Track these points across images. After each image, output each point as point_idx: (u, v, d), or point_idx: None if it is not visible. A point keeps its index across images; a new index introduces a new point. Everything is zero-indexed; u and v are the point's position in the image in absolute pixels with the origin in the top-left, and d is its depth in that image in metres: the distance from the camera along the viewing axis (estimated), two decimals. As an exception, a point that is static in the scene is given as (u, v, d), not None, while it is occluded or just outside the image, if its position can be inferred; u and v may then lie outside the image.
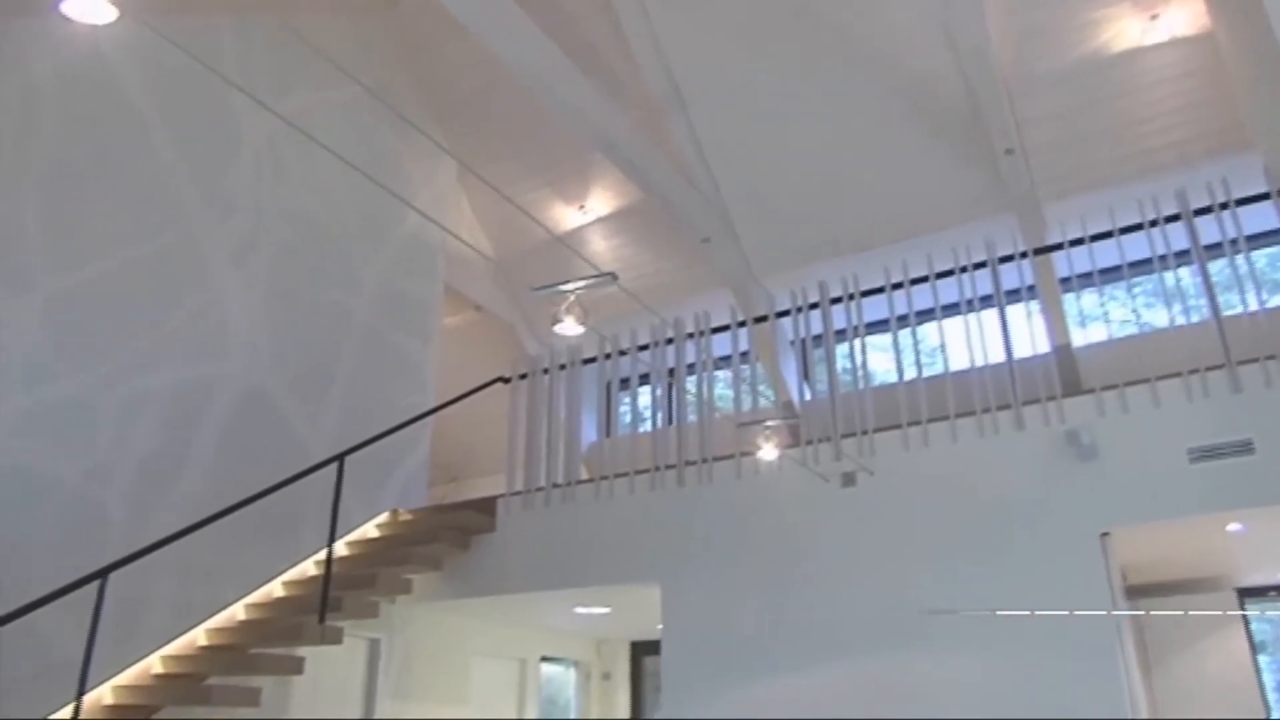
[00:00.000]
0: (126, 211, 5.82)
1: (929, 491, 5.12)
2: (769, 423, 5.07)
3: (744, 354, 6.29)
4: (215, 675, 5.09)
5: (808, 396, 5.93)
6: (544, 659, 8.81)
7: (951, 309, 5.60)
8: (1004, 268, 5.57)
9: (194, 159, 6.25)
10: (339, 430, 6.76)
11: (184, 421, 5.90)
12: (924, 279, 5.66)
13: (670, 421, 6.04)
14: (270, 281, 6.64)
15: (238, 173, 6.55)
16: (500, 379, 7.12)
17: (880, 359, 7.41)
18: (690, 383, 6.11)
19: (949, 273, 5.62)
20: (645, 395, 7.70)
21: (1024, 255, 5.72)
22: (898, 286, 5.72)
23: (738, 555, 5.47)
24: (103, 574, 4.40)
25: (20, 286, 5.24)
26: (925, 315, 5.94)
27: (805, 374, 6.04)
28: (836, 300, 5.82)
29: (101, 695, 5.14)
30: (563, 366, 6.58)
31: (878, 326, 6.54)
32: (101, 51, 5.81)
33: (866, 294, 5.80)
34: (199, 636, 5.67)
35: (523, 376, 6.78)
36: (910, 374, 5.53)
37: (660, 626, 5.67)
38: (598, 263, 8.75)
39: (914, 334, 5.70)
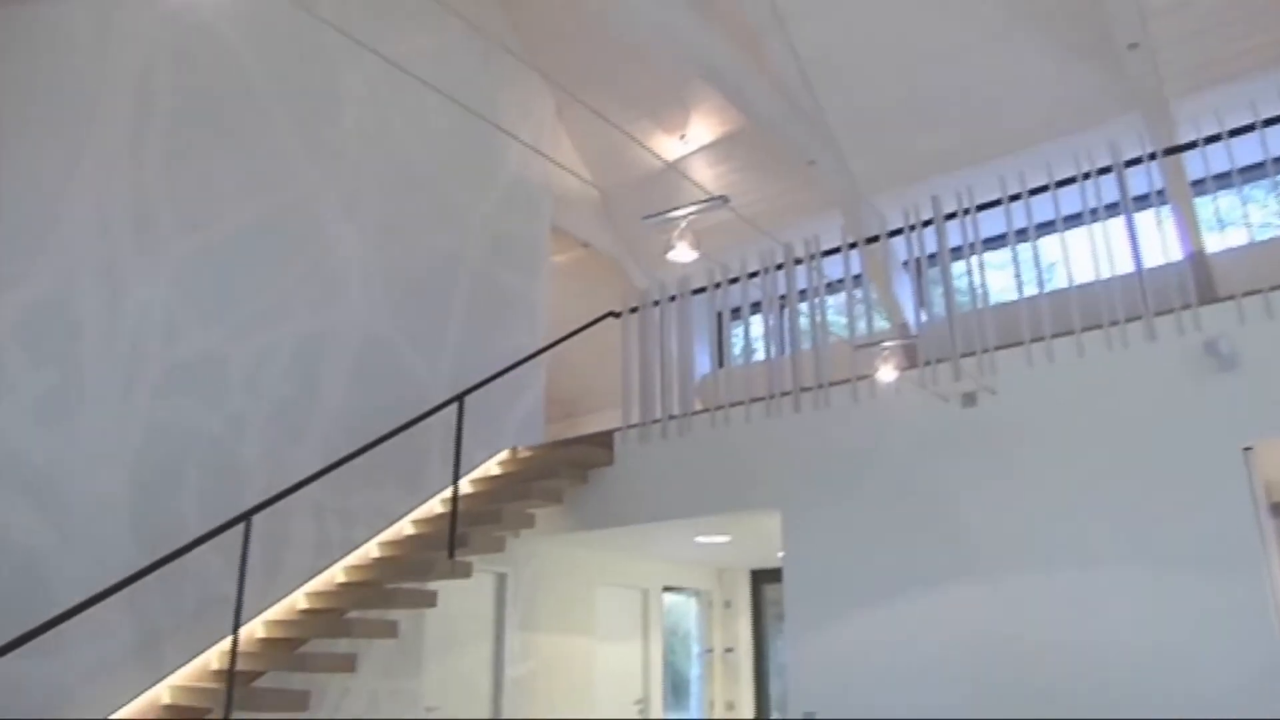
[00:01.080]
0: (241, 173, 6.01)
1: (1055, 409, 4.95)
2: (886, 344, 4.96)
3: (856, 277, 6.15)
4: (355, 609, 5.33)
5: (923, 317, 5.77)
6: (666, 588, 8.96)
7: (1074, 219, 5.35)
8: (1130, 172, 5.27)
9: (300, 117, 6.39)
10: (456, 372, 6.92)
11: (310, 370, 6.13)
12: (1044, 188, 5.41)
13: (783, 349, 5.97)
14: (381, 230, 6.79)
15: (342, 127, 6.67)
16: (610, 314, 7.15)
17: (998, 277, 7.16)
18: (802, 308, 6.02)
19: (1070, 180, 5.35)
20: (756, 324, 7.64)
21: (1152, 157, 5.40)
22: (1015, 198, 5.48)
23: (858, 479, 5.42)
24: (246, 517, 4.64)
25: (152, 253, 5.49)
26: (1046, 228, 5.69)
27: (920, 294, 5.87)
28: (951, 216, 5.62)
29: (254, 629, 5.46)
30: (673, 298, 6.57)
31: (995, 242, 6.31)
32: (208, 20, 5.96)
33: (983, 208, 5.57)
34: (337, 574, 5.95)
35: (633, 310, 6.80)
36: (1031, 290, 5.32)
37: (781, 553, 5.68)
38: (702, 192, 8.64)
39: (1034, 248, 5.47)
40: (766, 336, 6.13)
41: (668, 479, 6.20)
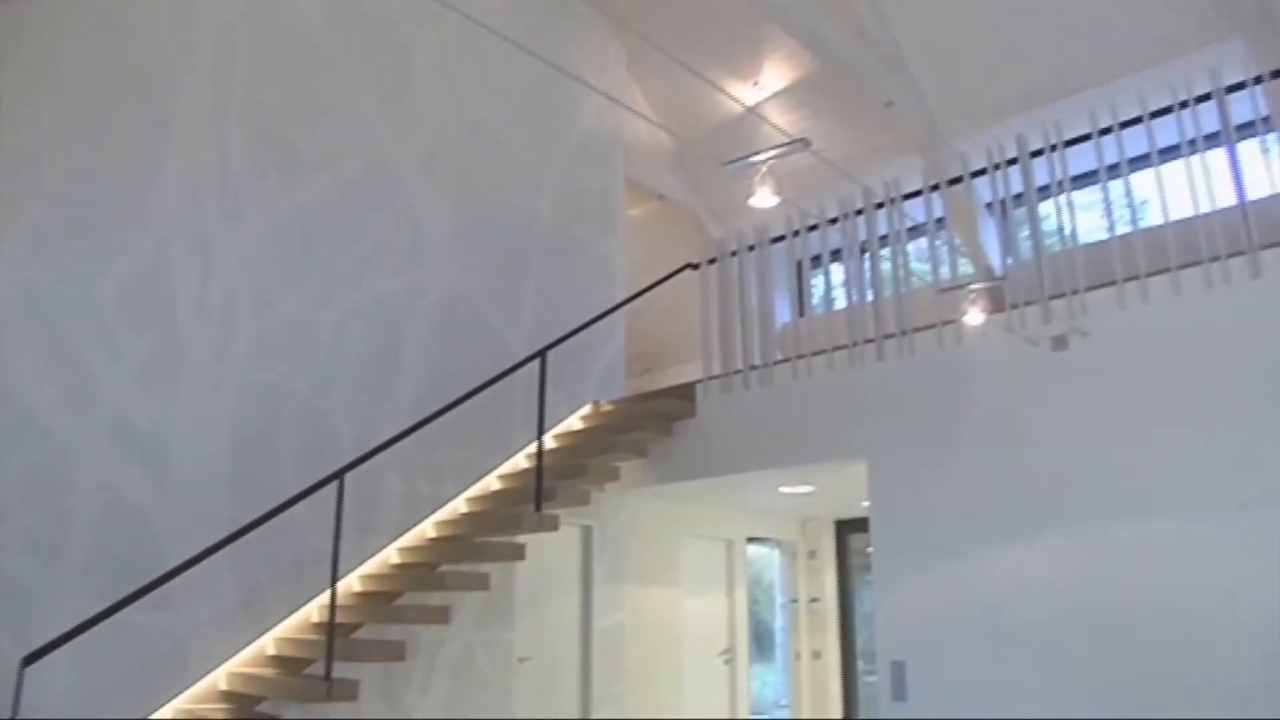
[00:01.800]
0: (319, 139, 6.11)
1: (1151, 350, 4.76)
2: (972, 287, 4.83)
3: (939, 220, 5.99)
4: (446, 563, 5.46)
5: (1010, 260, 5.60)
6: (750, 539, 8.99)
7: (1170, 152, 5.11)
8: (1232, 98, 5.00)
9: (373, 80, 6.45)
10: (536, 328, 6.97)
11: (394, 330, 6.24)
12: (1137, 120, 5.18)
13: (865, 296, 5.87)
14: (457, 189, 6.84)
15: (415, 88, 6.72)
16: (689, 265, 7.12)
17: (1086, 218, 6.91)
18: (884, 254, 5.90)
19: (1166, 110, 5.11)
20: (837, 271, 7.52)
21: (1258, 81, 5.12)
22: (1106, 132, 5.25)
23: (944, 426, 5.32)
24: (339, 475, 4.76)
25: (237, 221, 5.63)
26: (1139, 162, 5.45)
27: (1006, 236, 5.70)
28: (1037, 153, 5.42)
29: (350, 583, 5.63)
30: (751, 248, 6.49)
31: (1085, 179, 6.08)
32: (282, -18, 6.04)
33: (1071, 143, 5.36)
34: (428, 529, 6.09)
35: (711, 261, 6.74)
36: (1124, 228, 5.11)
37: (866, 503, 5.63)
38: (778, 139, 8.50)
39: (1126, 183, 5.25)
40: (848, 283, 6.03)
41: (750, 430, 6.18)
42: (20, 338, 4.77)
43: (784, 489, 7.23)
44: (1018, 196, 5.51)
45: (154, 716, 4.84)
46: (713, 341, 6.51)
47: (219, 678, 5.12)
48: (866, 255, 5.94)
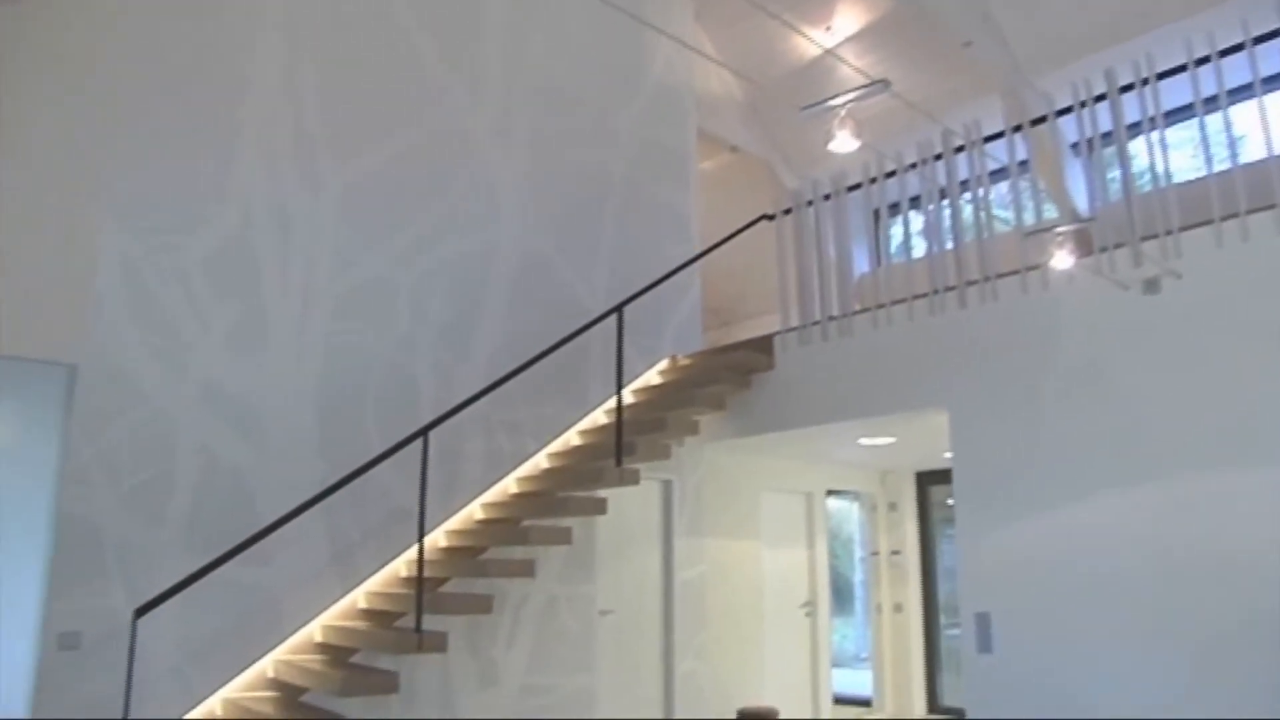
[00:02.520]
0: (391, 102, 6.16)
1: (1250, 292, 4.56)
2: (1059, 230, 4.68)
3: (1022, 163, 5.80)
4: (529, 518, 5.54)
5: (1098, 201, 5.40)
6: (830, 492, 8.94)
7: (1273, 81, 4.85)
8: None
9: (443, 42, 6.46)
10: (611, 284, 6.98)
11: (471, 289, 6.31)
12: (1238, 47, 4.91)
13: (945, 243, 5.73)
14: (529, 148, 6.85)
15: (485, 48, 6.71)
16: (764, 217, 7.03)
17: (1179, 157, 6.63)
18: (965, 199, 5.74)
19: (1272, 35, 4.83)
20: (916, 218, 7.37)
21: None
22: (1203, 62, 5.01)
23: (1029, 375, 5.20)
24: (423, 432, 4.85)
25: (317, 186, 5.72)
26: (1239, 93, 5.19)
27: (1095, 176, 5.49)
28: (1128, 88, 5.20)
29: (436, 538, 5.76)
30: (827, 197, 6.38)
31: (1178, 115, 5.82)
32: (351, -57, 6.06)
33: (1164, 75, 5.12)
34: (510, 485, 6.18)
35: (786, 212, 6.65)
36: (1222, 164, 4.88)
37: (948, 454, 5.55)
38: (851, 84, 8.31)
39: (1225, 117, 5.00)
40: (927, 230, 5.89)
41: (829, 381, 6.12)
42: (119, 308, 4.94)
43: (864, 441, 7.16)
44: (1106, 135, 5.31)
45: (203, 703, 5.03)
46: (790, 293, 6.44)
47: (314, 630, 5.30)
48: (947, 201, 5.79)
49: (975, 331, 5.48)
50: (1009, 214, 5.71)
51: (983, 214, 5.56)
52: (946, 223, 5.76)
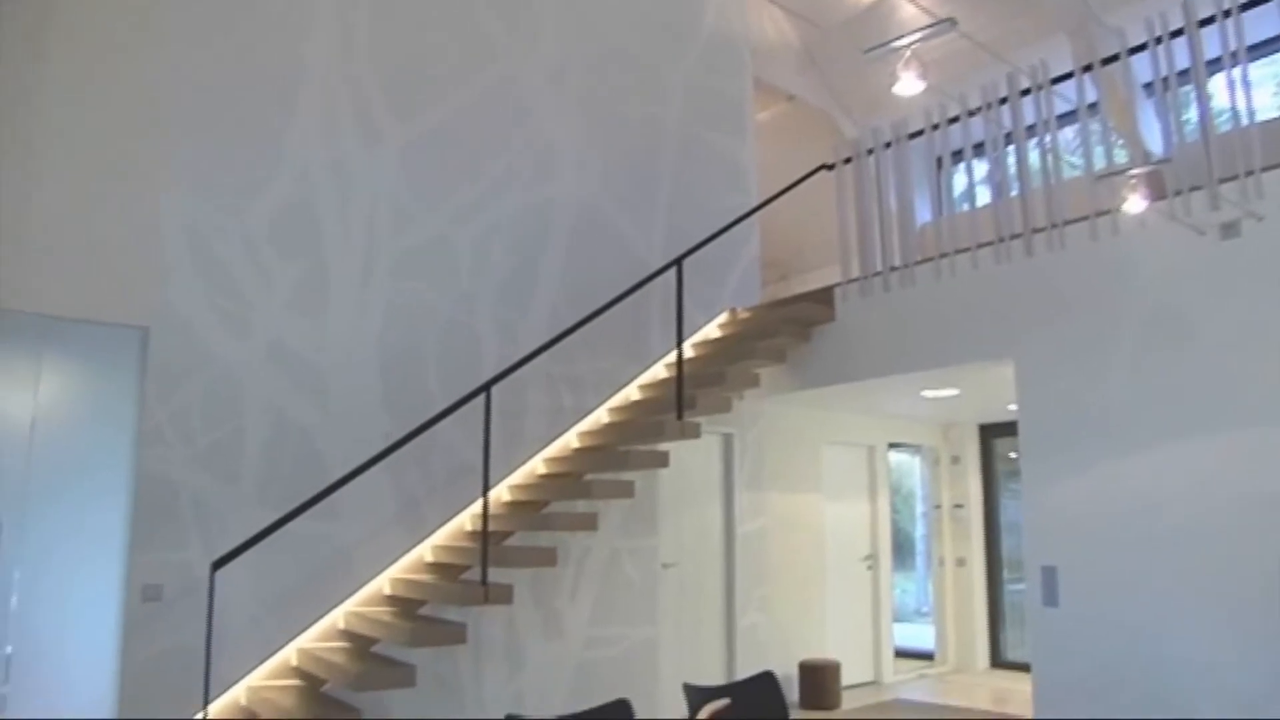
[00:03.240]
0: (448, 59, 6.15)
1: (1336, 232, 4.39)
2: (1132, 172, 4.53)
3: (1091, 105, 5.61)
4: (591, 472, 5.58)
5: (1173, 142, 5.20)
6: (892, 445, 8.87)
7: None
8: None
9: (498, -6, 6.44)
10: (670, 237, 6.95)
11: (530, 245, 6.32)
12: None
13: (1010, 190, 5.58)
14: (585, 102, 6.80)
15: (538, 2, 6.65)
16: (823, 166, 6.92)
17: (1261, 94, 6.35)
18: (1031, 144, 5.57)
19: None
20: (979, 168, 7.19)
21: None
22: (1287, -7, 4.78)
23: (1098, 323, 5.07)
24: (485, 388, 4.89)
25: (376, 145, 5.75)
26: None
27: (1170, 116, 5.28)
28: (1207, 21, 4.98)
29: (500, 493, 5.83)
30: (888, 145, 6.25)
31: (1261, 50, 5.57)
32: (403, -102, 6.02)
33: (1246, 7, 4.89)
34: (571, 439, 6.23)
35: (846, 161, 6.53)
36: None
37: (1013, 406, 5.46)
38: (913, 27, 8.10)
39: (1310, 49, 4.78)
40: (992, 177, 5.75)
41: (891, 333, 6.04)
42: (188, 271, 5.04)
43: (927, 393, 7.07)
44: (1183, 73, 5.10)
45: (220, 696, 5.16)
46: (850, 244, 6.35)
47: (383, 583, 5.42)
48: (1013, 146, 5.63)
49: (1042, 280, 5.35)
50: (1077, 158, 5.54)
51: (1050, 159, 5.40)
52: (1012, 169, 5.61)
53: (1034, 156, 5.56)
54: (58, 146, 4.74)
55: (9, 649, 4.46)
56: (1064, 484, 5.10)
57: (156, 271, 4.95)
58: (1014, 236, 5.45)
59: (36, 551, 4.55)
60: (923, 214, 6.98)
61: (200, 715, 4.50)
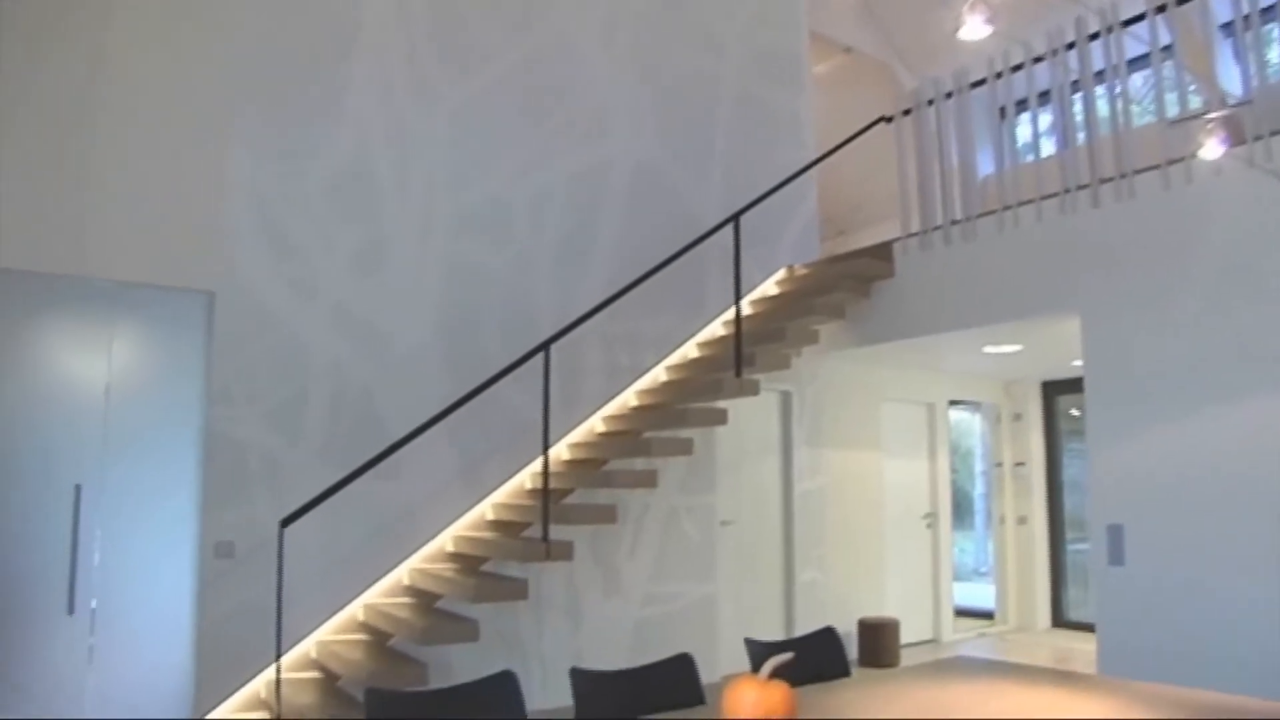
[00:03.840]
0: (499, 20, 6.13)
1: None
2: (1209, 116, 4.36)
3: (1165, 48, 5.41)
4: (650, 430, 5.59)
5: (1253, 85, 4.99)
6: (952, 403, 8.76)
7: None
8: None
9: (551, -51, 6.37)
10: (726, 194, 6.88)
11: (586, 203, 6.30)
12: None
13: (1076, 139, 5.41)
14: (638, 59, 6.74)
15: (592, -46, 6.59)
16: (882, 119, 6.78)
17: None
18: (1099, 91, 5.39)
19: None
20: (1043, 118, 6.98)
21: None
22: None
23: (1169, 276, 4.92)
24: (544, 346, 4.91)
25: (429, 107, 5.76)
26: None
27: (1249, 57, 5.06)
28: (1288, -42, 4.76)
29: (559, 451, 5.88)
30: (949, 95, 6.10)
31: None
32: None
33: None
34: (629, 398, 6.24)
35: (906, 113, 6.39)
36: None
37: (1078, 362, 5.34)
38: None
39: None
40: (1058, 125, 5.58)
41: (953, 288, 5.94)
42: (249, 235, 5.12)
43: (988, 349, 6.95)
44: (1266, 10, 4.89)
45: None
46: (911, 197, 6.23)
47: (445, 541, 5.51)
48: (1080, 93, 5.46)
49: (1110, 232, 5.20)
50: (1149, 103, 5.35)
51: (1120, 105, 5.23)
52: (1079, 117, 5.44)
53: (1102, 103, 5.39)
54: (123, 115, 4.82)
55: (94, 603, 4.63)
56: (1130, 441, 4.99)
57: (221, 236, 5.04)
58: (1080, 187, 5.30)
59: (115, 511, 4.70)
60: (985, 166, 6.82)
61: (273, 667, 4.63)
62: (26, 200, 4.58)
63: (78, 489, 4.63)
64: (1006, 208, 5.61)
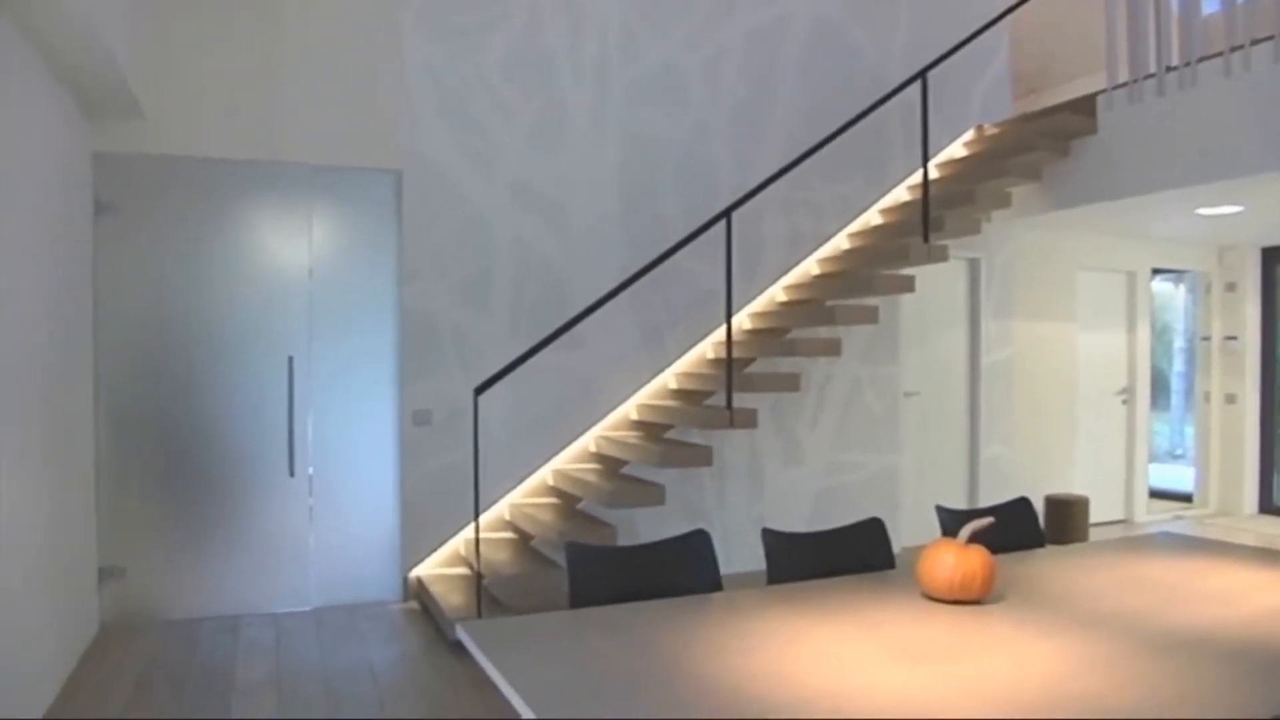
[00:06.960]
0: None
1: None
2: None
3: None
4: (834, 298, 5.45)
5: None
6: (1155, 271, 8.17)
7: None
8: None
9: None
10: (910, 50, 6.48)
11: (763, 66, 6.07)
12: None
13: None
14: (817, -93, 6.34)
15: None
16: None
17: None
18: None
19: None
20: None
21: None
22: None
23: None
24: (725, 214, 4.81)
25: (602, -34, 5.62)
26: None
27: None
28: None
29: (740, 321, 5.84)
30: (1168, -76, 5.47)
31: None
32: None
33: None
34: (811, 266, 6.10)
35: (1115, -52, 5.79)
36: None
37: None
38: None
39: None
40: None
41: (1164, 144, 5.43)
42: (432, 114, 5.20)
43: (1203, 210, 6.38)
44: None
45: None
46: (1118, 42, 5.68)
47: (629, 409, 5.61)
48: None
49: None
50: None
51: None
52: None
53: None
54: (306, 8, 4.93)
55: (311, 469, 4.98)
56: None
57: (404, 116, 5.14)
58: (1326, 19, 4.70)
59: (323, 384, 5.01)
60: (1210, 2, 6.14)
61: (471, 527, 4.89)
62: (227, 95, 4.81)
63: (290, 360, 4.94)
64: (1235, 48, 5.04)
